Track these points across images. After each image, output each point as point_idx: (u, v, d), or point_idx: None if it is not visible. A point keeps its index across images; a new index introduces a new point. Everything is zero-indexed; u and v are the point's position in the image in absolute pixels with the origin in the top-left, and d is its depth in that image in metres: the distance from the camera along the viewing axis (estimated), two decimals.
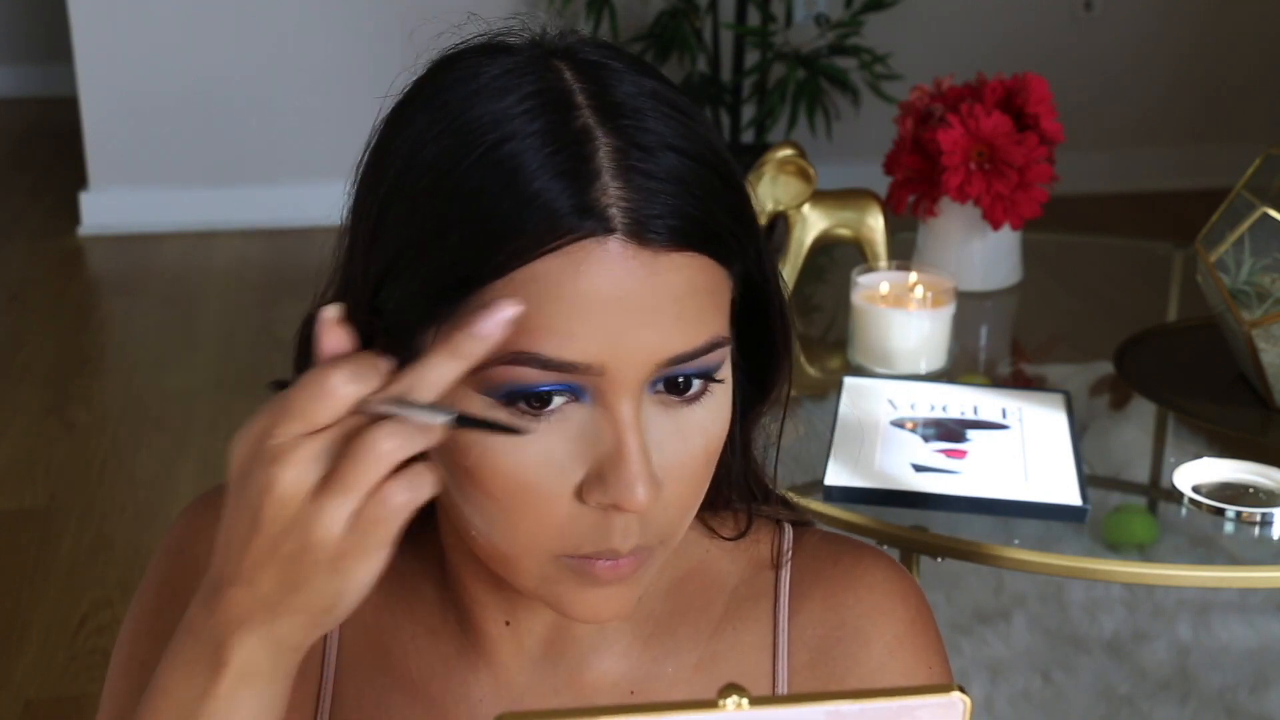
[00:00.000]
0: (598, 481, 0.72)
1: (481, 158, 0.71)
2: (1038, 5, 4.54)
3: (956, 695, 0.51)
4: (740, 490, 0.86)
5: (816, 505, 1.46)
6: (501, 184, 0.70)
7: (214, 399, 3.33)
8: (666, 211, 0.71)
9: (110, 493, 2.94)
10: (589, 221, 0.69)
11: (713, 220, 0.72)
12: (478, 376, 0.70)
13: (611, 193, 0.70)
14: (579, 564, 0.74)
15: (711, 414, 0.75)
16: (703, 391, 0.74)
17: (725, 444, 0.79)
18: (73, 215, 4.36)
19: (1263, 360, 1.65)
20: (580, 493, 0.72)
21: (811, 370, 1.83)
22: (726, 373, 0.76)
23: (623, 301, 0.70)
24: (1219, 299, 1.68)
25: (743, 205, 0.76)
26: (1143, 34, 4.61)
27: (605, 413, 0.71)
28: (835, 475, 1.50)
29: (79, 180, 4.39)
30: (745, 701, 0.50)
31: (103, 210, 4.32)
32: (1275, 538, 1.46)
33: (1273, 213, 1.63)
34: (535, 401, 0.71)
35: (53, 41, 5.40)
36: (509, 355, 0.70)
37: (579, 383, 0.71)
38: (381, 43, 4.23)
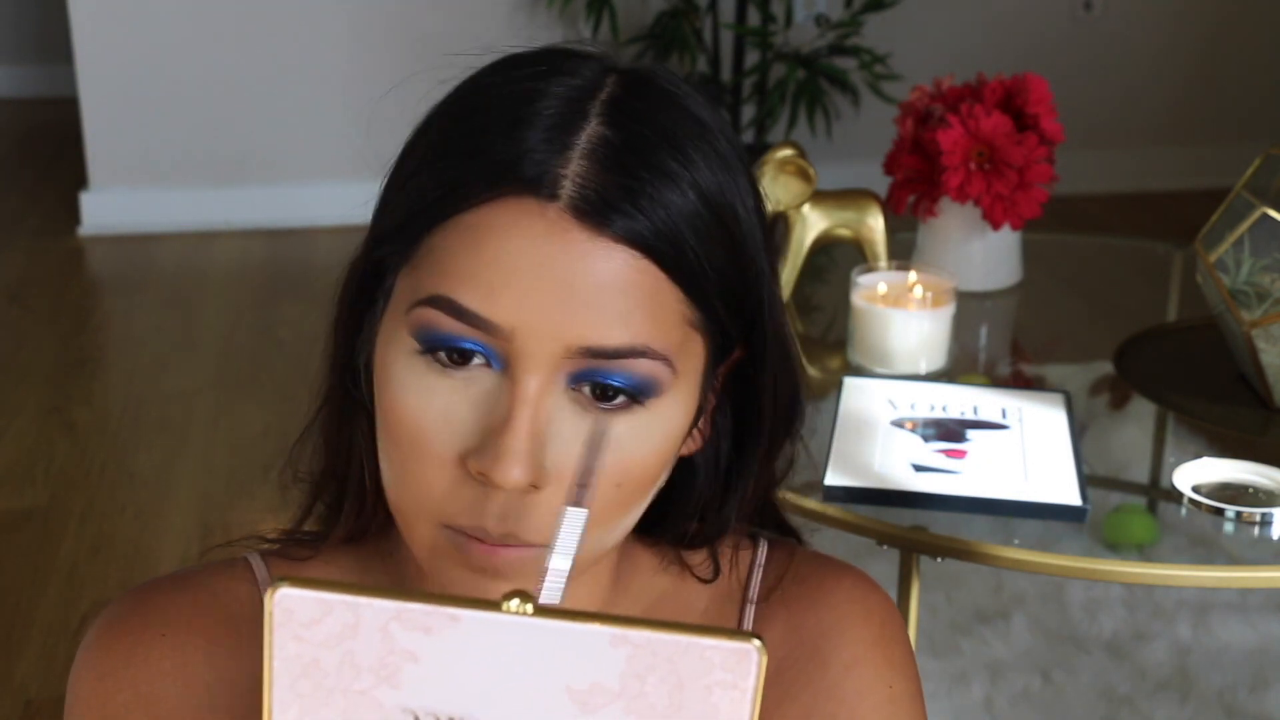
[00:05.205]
0: (479, 448, 0.69)
1: (501, 88, 0.72)
2: (1038, 5, 4.53)
3: (753, 644, 0.49)
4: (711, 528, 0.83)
5: (816, 505, 1.46)
6: (500, 118, 0.71)
7: (214, 399, 3.32)
8: (621, 201, 0.69)
9: (110, 493, 2.94)
10: (539, 184, 0.69)
11: (676, 236, 0.70)
12: (408, 316, 0.70)
13: (574, 166, 0.69)
14: (457, 538, 0.71)
15: (632, 436, 0.71)
16: (625, 408, 0.70)
17: (703, 478, 0.78)
18: (73, 215, 4.36)
19: (1263, 360, 1.65)
20: (466, 458, 0.70)
21: (812, 370, 1.83)
22: (665, 408, 0.72)
23: (544, 270, 0.68)
24: (1219, 299, 1.68)
25: (732, 257, 0.72)
26: (1142, 34, 4.61)
27: (510, 384, 0.69)
28: (835, 475, 1.50)
29: (79, 180, 4.39)
30: (529, 607, 0.48)
31: (103, 210, 4.32)
32: (1275, 538, 1.46)
33: (1273, 213, 1.63)
34: (455, 356, 0.70)
35: (53, 41, 5.40)
36: (430, 297, 0.69)
37: (492, 345, 0.69)
38: (382, 43, 4.23)
